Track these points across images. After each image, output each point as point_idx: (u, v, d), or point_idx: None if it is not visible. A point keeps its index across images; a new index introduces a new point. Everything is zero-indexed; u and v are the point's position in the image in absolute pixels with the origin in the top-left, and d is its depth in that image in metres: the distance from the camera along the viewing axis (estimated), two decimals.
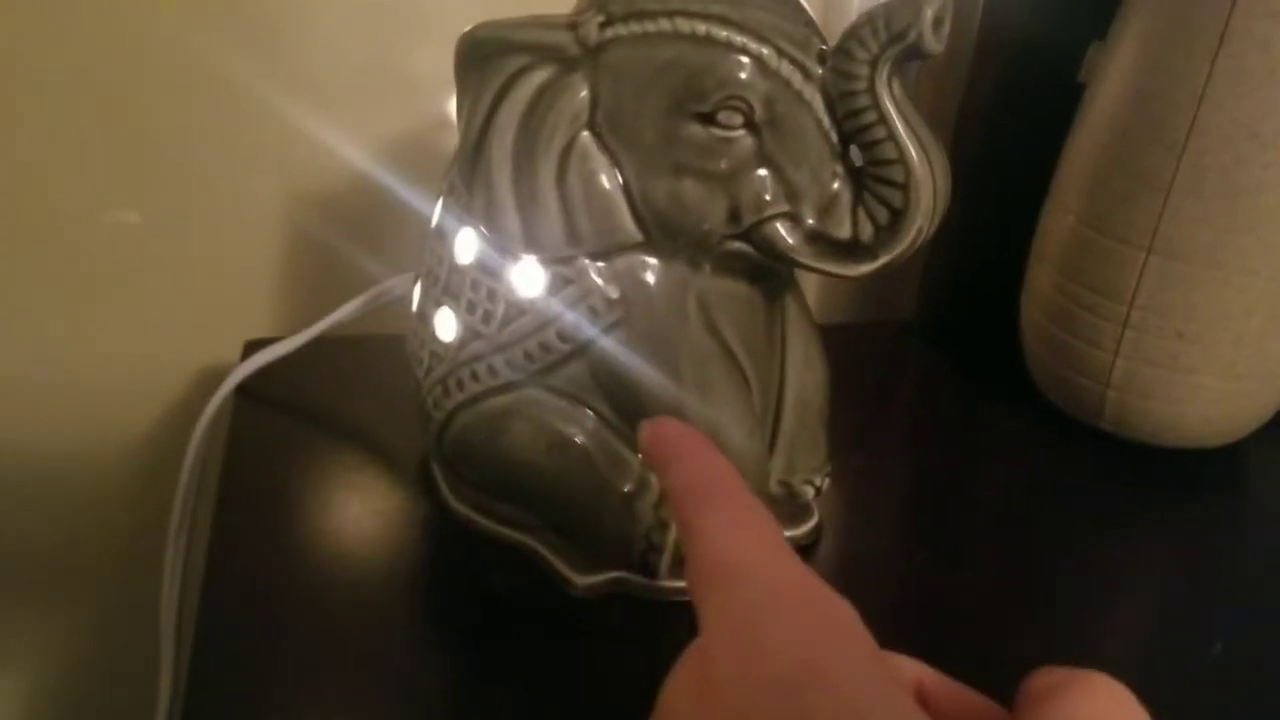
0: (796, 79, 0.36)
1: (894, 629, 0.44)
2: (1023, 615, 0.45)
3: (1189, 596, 0.48)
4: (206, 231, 0.62)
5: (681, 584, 0.42)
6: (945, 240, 0.65)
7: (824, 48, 0.37)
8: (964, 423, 0.60)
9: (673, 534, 0.41)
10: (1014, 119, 0.61)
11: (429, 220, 0.44)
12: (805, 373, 0.45)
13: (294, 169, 0.62)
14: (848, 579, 0.47)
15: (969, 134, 0.62)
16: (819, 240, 0.38)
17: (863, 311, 0.74)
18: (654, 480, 0.41)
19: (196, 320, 0.64)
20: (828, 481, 0.47)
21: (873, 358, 0.67)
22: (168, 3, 0.56)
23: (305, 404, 0.55)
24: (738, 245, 0.38)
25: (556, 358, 0.40)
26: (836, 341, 0.69)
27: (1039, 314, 0.57)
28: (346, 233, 0.63)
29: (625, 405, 0.40)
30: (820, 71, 0.36)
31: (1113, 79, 0.52)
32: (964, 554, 0.49)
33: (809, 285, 0.73)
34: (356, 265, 0.62)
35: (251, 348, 0.57)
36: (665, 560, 0.41)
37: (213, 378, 0.57)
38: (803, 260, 0.38)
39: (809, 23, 0.38)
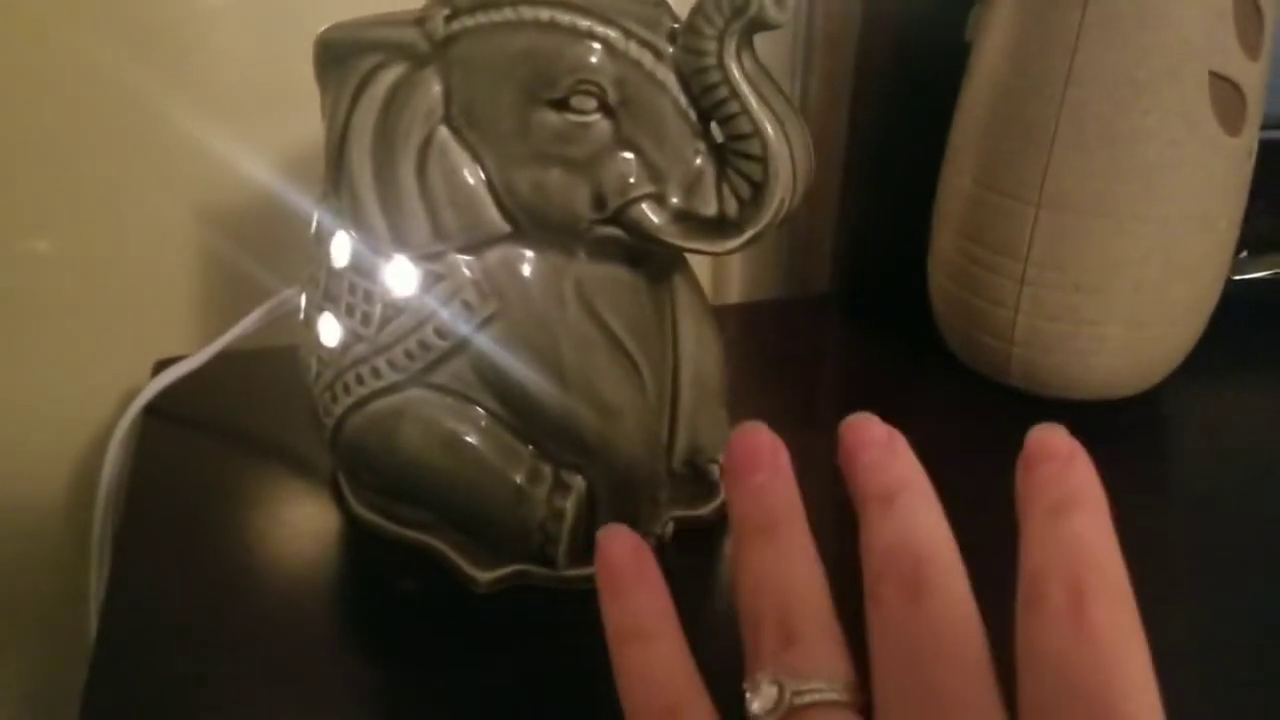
0: (647, 59, 0.36)
1: None
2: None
3: None
4: (117, 254, 0.62)
5: (583, 572, 0.42)
6: (854, 210, 0.66)
7: (675, 26, 0.37)
8: (881, 391, 0.60)
9: (568, 523, 0.41)
10: (910, 83, 0.61)
11: None
12: (699, 353, 0.45)
13: (199, 186, 0.61)
14: None
15: (867, 102, 0.62)
16: (685, 219, 0.38)
17: (786, 287, 0.74)
18: (547, 470, 0.41)
19: (110, 343, 0.63)
20: None
21: (791, 332, 0.67)
22: (64, 29, 0.55)
23: (213, 420, 0.55)
24: (608, 230, 0.38)
25: (437, 355, 0.40)
26: (756, 318, 0.70)
27: (943, 277, 0.57)
28: (255, 246, 0.62)
29: (511, 398, 0.40)
30: (671, 50, 0.36)
31: (993, 35, 0.52)
32: None
33: (733, 265, 0.74)
34: (267, 279, 0.61)
35: (161, 367, 0.57)
36: (562, 550, 0.41)
37: (127, 401, 0.57)
38: (670, 240, 0.38)
39: (659, 2, 0.38)
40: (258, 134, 0.61)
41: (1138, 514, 0.49)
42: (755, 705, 0.24)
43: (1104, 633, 0.22)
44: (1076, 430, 0.56)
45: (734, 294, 0.74)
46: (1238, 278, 0.62)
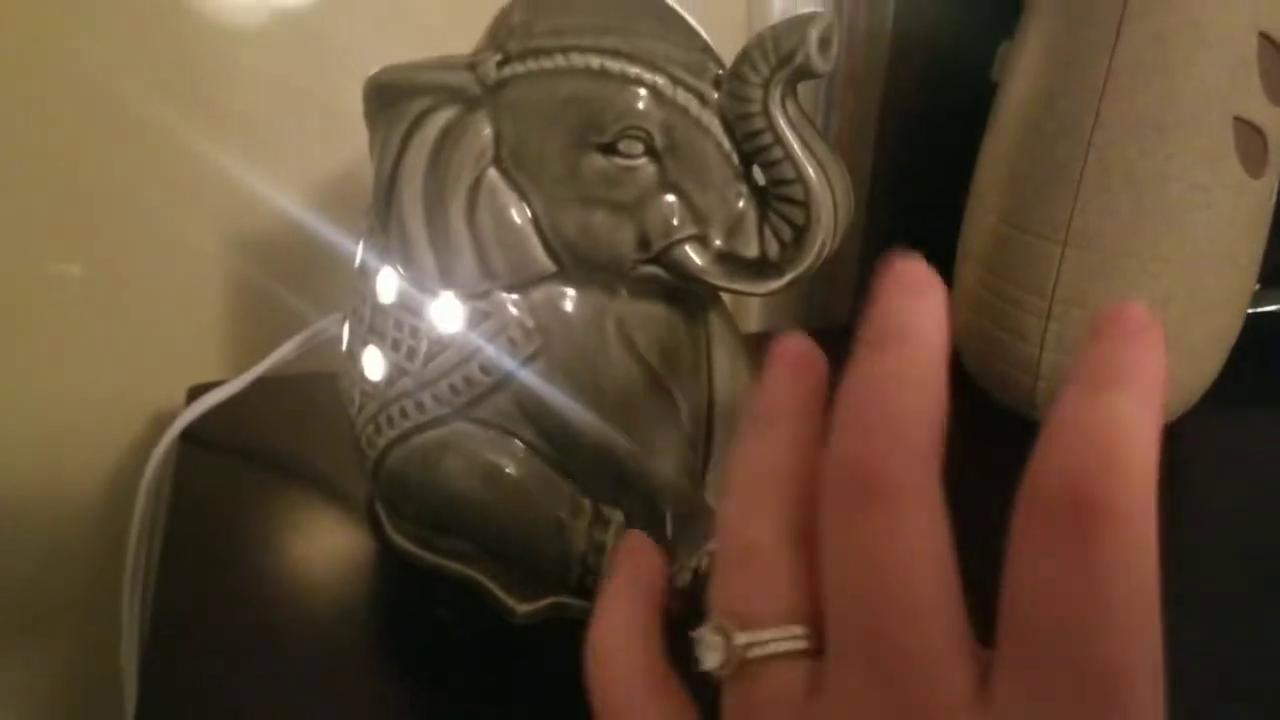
0: (693, 105, 0.37)
1: None
2: (968, 606, 0.46)
3: None
4: (149, 279, 0.63)
5: None
6: (877, 245, 0.67)
7: (720, 72, 0.37)
8: None
9: (608, 556, 0.42)
10: (935, 122, 0.63)
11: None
12: (733, 386, 0.46)
13: (231, 213, 0.62)
14: None
15: (892, 140, 0.63)
16: (728, 260, 0.38)
17: (806, 319, 0.75)
18: (587, 504, 0.42)
19: (143, 369, 0.64)
20: None
21: None
22: (99, 56, 0.56)
23: (249, 447, 0.56)
24: (650, 269, 0.39)
25: (481, 390, 0.41)
26: None
27: (967, 311, 0.58)
28: (287, 274, 0.63)
29: (552, 432, 0.41)
30: (716, 96, 0.37)
31: (1021, 77, 0.53)
32: None
33: (752, 297, 0.74)
34: (298, 306, 0.62)
35: (195, 393, 0.57)
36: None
37: (161, 426, 0.57)
38: (713, 280, 0.39)
39: (705, 48, 0.39)
40: (294, 161, 0.62)
41: (1158, 545, 0.50)
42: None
43: (1106, 554, 0.18)
44: None
45: (754, 324, 0.75)
46: (1251, 311, 0.63)
